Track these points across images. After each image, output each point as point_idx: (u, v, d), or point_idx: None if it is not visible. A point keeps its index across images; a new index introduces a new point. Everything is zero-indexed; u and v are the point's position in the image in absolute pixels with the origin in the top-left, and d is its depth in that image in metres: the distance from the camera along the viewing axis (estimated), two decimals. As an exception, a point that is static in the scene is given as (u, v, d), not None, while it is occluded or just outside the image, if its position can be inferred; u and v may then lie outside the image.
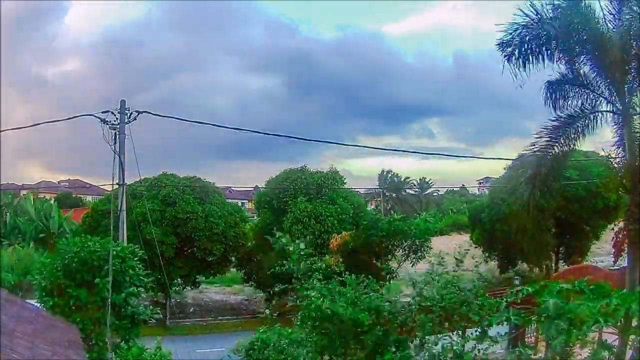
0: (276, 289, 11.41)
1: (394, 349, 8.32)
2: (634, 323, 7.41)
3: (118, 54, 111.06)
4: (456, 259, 9.71)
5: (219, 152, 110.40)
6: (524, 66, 10.88)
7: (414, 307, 9.05)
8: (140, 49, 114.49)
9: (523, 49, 10.86)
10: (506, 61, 11.00)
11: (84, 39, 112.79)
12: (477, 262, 10.20)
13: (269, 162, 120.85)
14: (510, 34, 10.97)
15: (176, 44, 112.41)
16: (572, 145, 11.06)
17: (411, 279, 10.24)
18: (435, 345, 8.83)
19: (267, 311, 10.12)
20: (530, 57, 10.88)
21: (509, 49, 10.94)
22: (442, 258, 10.08)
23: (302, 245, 9.16)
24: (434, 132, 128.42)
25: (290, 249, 9.02)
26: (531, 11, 10.86)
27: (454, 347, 8.80)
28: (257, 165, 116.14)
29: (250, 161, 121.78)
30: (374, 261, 27.18)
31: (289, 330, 10.00)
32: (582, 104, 11.48)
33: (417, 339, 8.85)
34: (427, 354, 8.76)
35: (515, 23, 10.99)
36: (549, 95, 11.48)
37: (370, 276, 9.74)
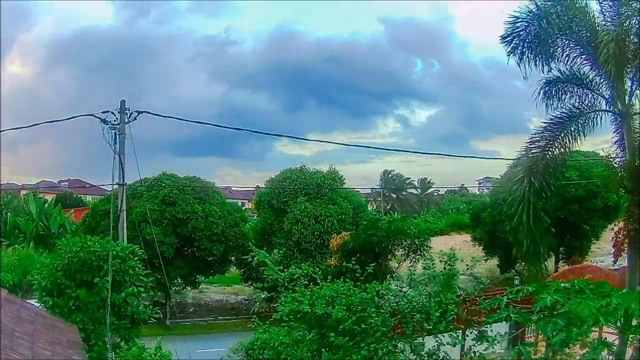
0: (262, 296, 11.86)
1: (371, 342, 8.55)
2: (634, 322, 7.42)
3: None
4: (445, 262, 9.82)
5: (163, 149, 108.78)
6: (526, 62, 10.90)
7: (398, 307, 9.25)
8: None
9: (525, 46, 10.87)
10: (509, 56, 11.03)
11: (35, 41, 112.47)
12: (467, 266, 10.28)
13: (221, 158, 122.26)
14: (512, 29, 10.98)
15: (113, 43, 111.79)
16: (571, 144, 11.03)
17: (399, 278, 10.40)
18: (419, 346, 9.01)
19: (257, 320, 10.35)
20: (530, 54, 10.90)
21: (512, 44, 10.96)
22: (432, 260, 10.21)
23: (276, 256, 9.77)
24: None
25: (268, 263, 9.52)
26: (531, 9, 10.89)
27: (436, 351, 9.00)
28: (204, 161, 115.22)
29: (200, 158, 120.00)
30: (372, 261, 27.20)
31: (287, 331, 10.10)
32: (581, 103, 11.47)
33: (407, 339, 9.01)
34: (414, 354, 8.93)
35: (517, 18, 10.99)
36: (545, 93, 11.48)
37: (365, 276, 9.92)
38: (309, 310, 8.57)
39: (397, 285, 10.10)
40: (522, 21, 10.94)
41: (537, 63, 11.04)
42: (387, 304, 9.22)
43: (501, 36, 11.13)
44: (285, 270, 9.78)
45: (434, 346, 9.12)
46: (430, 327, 8.91)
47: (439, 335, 9.16)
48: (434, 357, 9.03)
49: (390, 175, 70.60)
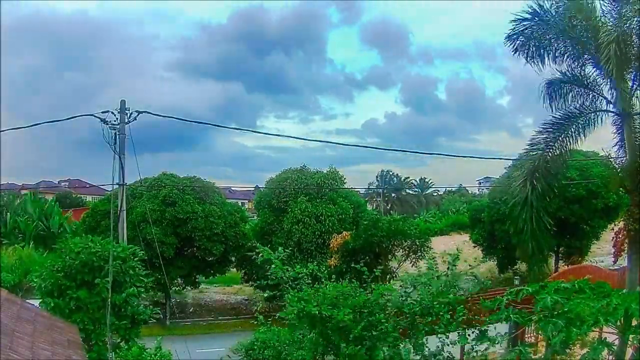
0: (265, 295, 11.83)
1: (380, 344, 8.51)
2: (634, 322, 7.42)
3: None
4: (449, 262, 9.81)
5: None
6: (531, 61, 10.95)
7: (405, 308, 9.21)
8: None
9: (528, 46, 10.91)
10: (513, 54, 11.10)
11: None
12: (470, 266, 10.28)
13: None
14: (516, 28, 11.02)
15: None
16: (572, 145, 11.04)
17: (402, 279, 10.37)
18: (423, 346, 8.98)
19: (261, 317, 10.32)
20: (534, 54, 10.93)
21: (516, 43, 11.00)
22: (435, 260, 10.19)
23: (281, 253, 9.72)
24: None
25: (273, 260, 9.47)
26: (535, 9, 10.92)
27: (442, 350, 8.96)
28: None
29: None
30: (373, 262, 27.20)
31: (287, 331, 10.09)
32: (582, 103, 11.47)
33: (411, 339, 8.99)
34: (419, 354, 8.91)
35: (521, 18, 11.03)
36: (547, 94, 11.48)
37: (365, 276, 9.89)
38: (317, 312, 8.50)
39: (401, 286, 10.06)
40: (524, 21, 10.97)
41: (538, 63, 11.07)
42: (391, 305, 9.18)
43: (507, 35, 11.17)
44: (289, 269, 9.74)
45: (438, 347, 9.10)
46: (442, 329, 8.89)
47: (441, 335, 9.14)
48: (438, 357, 9.01)
49: (388, 175, 70.67)
